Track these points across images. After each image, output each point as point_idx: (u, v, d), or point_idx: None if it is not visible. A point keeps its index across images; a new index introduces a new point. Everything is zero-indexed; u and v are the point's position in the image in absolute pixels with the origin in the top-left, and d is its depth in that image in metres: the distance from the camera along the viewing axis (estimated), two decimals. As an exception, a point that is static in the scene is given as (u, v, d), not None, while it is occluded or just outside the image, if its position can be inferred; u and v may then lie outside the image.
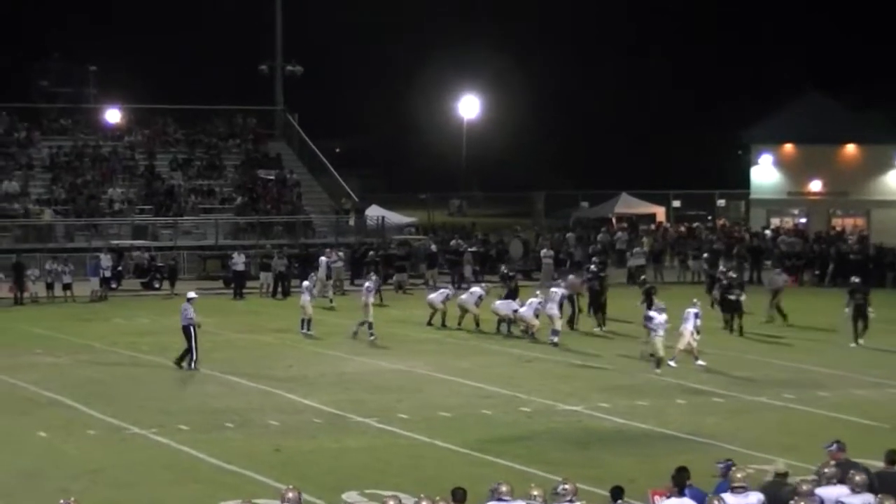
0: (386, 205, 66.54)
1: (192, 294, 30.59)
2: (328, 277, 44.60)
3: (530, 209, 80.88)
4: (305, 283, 36.79)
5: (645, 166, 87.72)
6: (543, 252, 51.68)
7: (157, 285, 47.43)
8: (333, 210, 59.18)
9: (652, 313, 29.99)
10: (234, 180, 59.37)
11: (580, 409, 24.89)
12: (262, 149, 62.15)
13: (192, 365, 29.18)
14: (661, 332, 29.11)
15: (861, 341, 33.51)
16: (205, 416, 23.94)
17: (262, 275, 47.00)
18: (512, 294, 38.03)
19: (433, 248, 51.97)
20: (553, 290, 34.18)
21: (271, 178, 59.59)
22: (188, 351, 29.28)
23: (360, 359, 31.17)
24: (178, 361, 29.38)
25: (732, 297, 35.85)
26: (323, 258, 45.67)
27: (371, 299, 34.57)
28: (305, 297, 35.70)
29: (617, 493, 13.69)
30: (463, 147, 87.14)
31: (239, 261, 46.63)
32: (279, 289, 45.90)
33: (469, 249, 52.50)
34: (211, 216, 56.06)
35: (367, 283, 35.77)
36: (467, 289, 39.95)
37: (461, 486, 13.54)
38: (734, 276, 39.26)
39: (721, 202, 77.23)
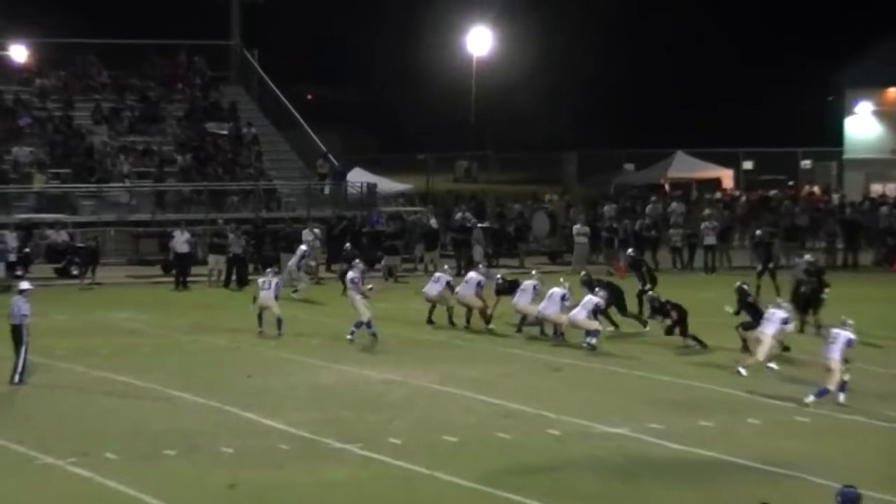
0: (374, 168, 66.53)
1: (24, 285, 30.42)
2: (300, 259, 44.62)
3: (559, 174, 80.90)
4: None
5: (707, 118, 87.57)
6: (576, 229, 51.69)
7: (74, 272, 47.39)
8: (305, 175, 59.18)
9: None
10: (177, 136, 59.36)
11: (625, 431, 24.86)
12: (213, 95, 62.14)
13: (19, 377, 28.63)
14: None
15: None
16: (140, 442, 23.91)
17: (212, 258, 47.09)
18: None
19: (433, 223, 51.93)
20: (588, 296, 33.73)
21: (224, 133, 59.61)
22: (18, 358, 28.83)
23: (341, 367, 31.14)
24: (12, 376, 28.86)
25: (804, 290, 35.60)
26: (306, 235, 46.08)
27: (357, 293, 34.36)
28: (268, 293, 35.02)
29: None
30: (472, 94, 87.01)
31: (182, 240, 46.66)
32: (233, 276, 45.96)
33: (479, 226, 52.48)
34: (146, 183, 56.02)
35: (350, 274, 35.28)
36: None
37: None
38: (807, 260, 38.09)
39: (806, 163, 77.15)
